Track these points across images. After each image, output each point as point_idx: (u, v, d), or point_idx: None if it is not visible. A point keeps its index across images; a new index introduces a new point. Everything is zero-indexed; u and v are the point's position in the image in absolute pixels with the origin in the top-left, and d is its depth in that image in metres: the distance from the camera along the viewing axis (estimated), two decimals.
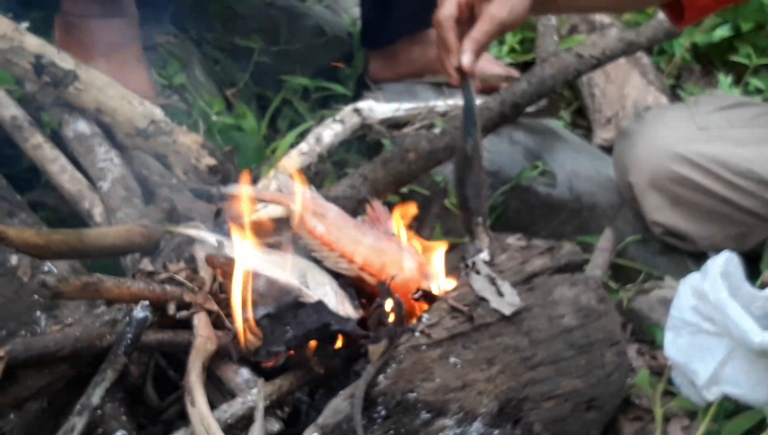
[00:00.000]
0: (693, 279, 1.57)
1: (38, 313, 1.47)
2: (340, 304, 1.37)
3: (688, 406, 1.48)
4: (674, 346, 1.52)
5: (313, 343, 1.31)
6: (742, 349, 1.45)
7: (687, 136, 1.85)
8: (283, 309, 1.34)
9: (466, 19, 1.56)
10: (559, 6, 1.79)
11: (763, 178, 1.78)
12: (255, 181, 1.77)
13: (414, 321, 1.31)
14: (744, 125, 1.85)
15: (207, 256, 1.41)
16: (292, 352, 1.31)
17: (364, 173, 1.73)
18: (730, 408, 1.43)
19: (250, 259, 1.39)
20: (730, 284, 1.49)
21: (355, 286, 1.44)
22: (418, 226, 1.90)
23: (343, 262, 1.44)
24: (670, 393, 1.52)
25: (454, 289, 1.34)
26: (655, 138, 1.89)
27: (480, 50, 1.56)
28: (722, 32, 2.57)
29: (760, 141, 1.82)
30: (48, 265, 1.53)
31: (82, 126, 1.81)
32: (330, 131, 1.96)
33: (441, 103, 2.13)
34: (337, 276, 1.44)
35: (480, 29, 1.54)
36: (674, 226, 1.90)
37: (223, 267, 1.38)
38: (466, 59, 1.54)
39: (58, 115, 1.86)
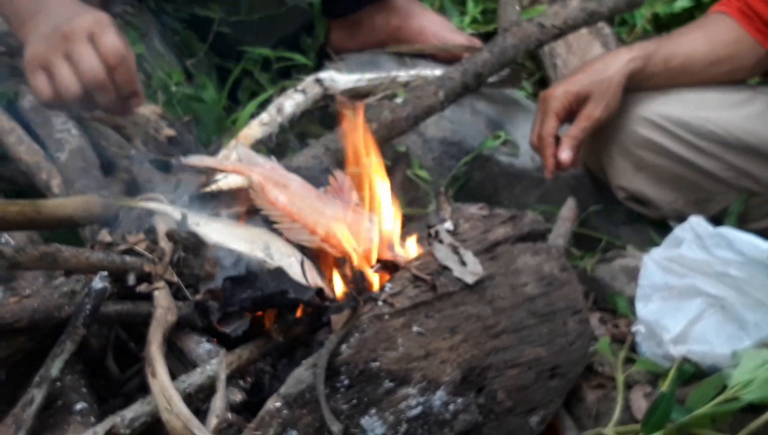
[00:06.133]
0: (658, 250, 1.59)
1: None
2: (307, 275, 1.36)
3: (650, 367, 1.49)
4: (645, 309, 1.54)
5: (273, 312, 1.30)
6: (715, 307, 1.47)
7: (649, 98, 1.86)
8: (247, 274, 1.33)
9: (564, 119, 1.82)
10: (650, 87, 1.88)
11: (724, 140, 1.79)
12: (215, 151, 1.75)
13: (377, 290, 1.30)
14: (704, 89, 1.86)
15: (167, 230, 1.39)
16: (252, 321, 1.30)
17: (326, 144, 1.72)
18: (690, 371, 1.44)
19: (211, 231, 1.38)
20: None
21: (318, 256, 1.44)
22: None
23: (305, 233, 1.43)
24: (632, 361, 1.52)
25: (417, 259, 1.33)
26: None
27: (578, 146, 1.81)
28: (683, 3, 2.57)
29: (720, 104, 1.83)
30: (5, 236, 1.51)
31: None
32: (291, 101, 1.95)
33: (403, 74, 2.12)
34: (302, 248, 1.43)
35: (578, 127, 1.81)
36: (638, 190, 1.91)
37: (184, 241, 1.37)
38: (565, 155, 1.78)
39: (14, 86, 1.82)
